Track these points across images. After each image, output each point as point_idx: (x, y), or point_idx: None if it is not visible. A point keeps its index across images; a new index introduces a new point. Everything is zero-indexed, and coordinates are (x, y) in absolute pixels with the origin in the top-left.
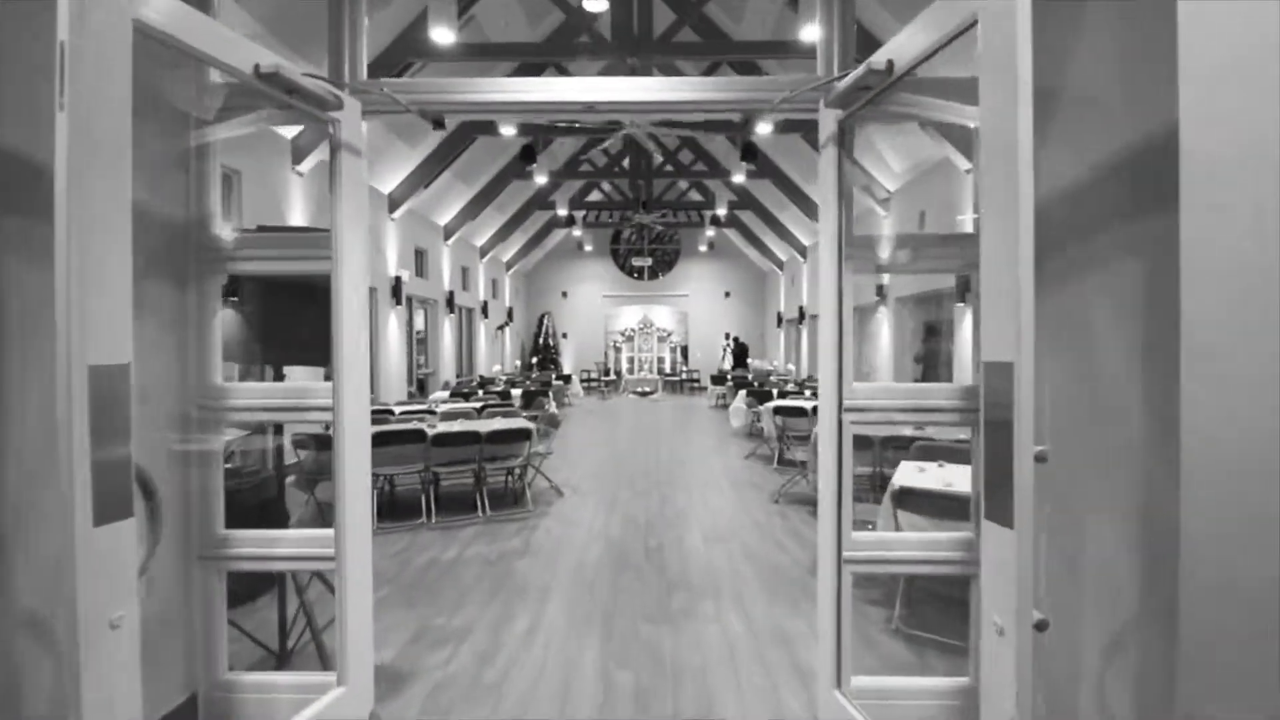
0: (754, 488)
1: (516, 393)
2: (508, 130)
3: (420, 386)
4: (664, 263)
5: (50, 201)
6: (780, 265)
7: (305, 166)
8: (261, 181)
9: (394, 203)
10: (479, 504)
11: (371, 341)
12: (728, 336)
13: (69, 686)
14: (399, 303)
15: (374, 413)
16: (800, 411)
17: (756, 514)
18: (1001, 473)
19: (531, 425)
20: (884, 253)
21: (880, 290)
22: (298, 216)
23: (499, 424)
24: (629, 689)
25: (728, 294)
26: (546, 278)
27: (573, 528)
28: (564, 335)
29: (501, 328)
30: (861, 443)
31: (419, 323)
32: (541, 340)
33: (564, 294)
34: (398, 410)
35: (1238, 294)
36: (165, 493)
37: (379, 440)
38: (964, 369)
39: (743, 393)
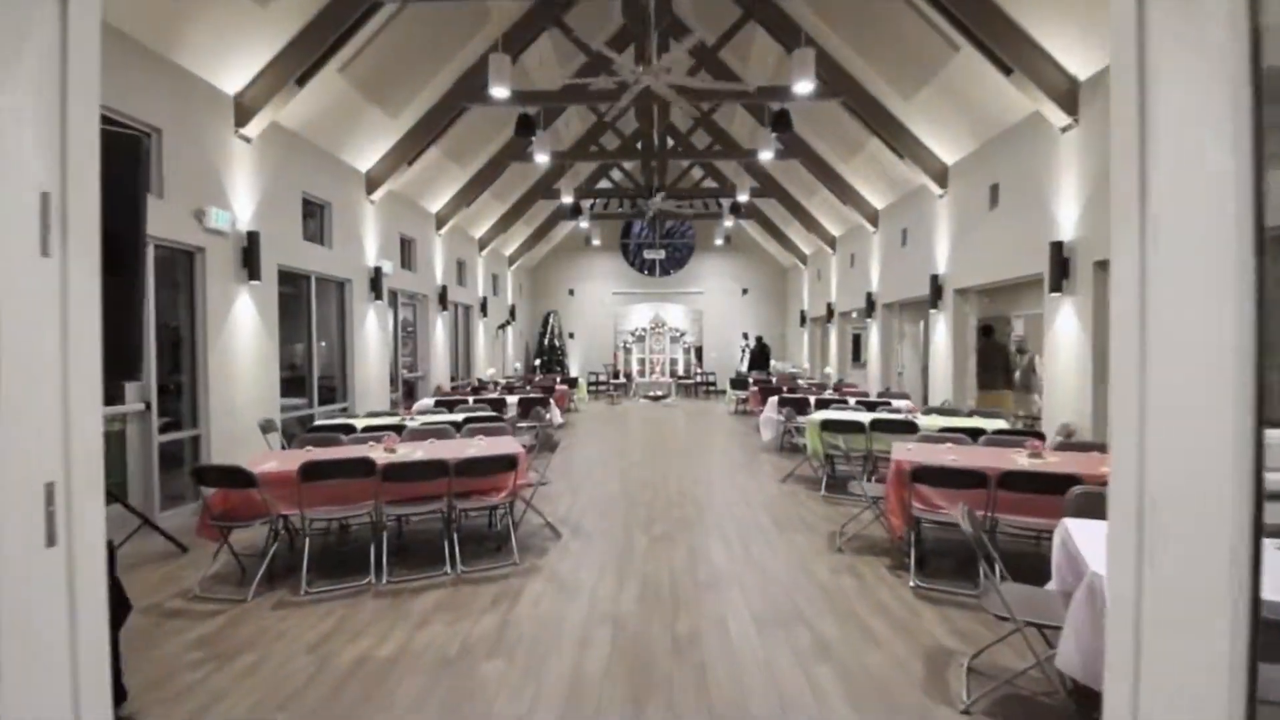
0: (805, 527)
1: (514, 400)
2: (500, 90)
3: (409, 392)
4: (675, 260)
5: None
6: (804, 260)
7: (253, 130)
8: (194, 144)
9: (372, 182)
10: (448, 555)
11: (345, 342)
12: (746, 336)
13: None
14: (378, 297)
15: (328, 429)
16: (857, 427)
17: (819, 571)
18: None
19: (519, 450)
20: None
21: (936, 281)
22: (242, 193)
23: (478, 447)
24: None
25: (745, 291)
26: (552, 274)
27: (570, 598)
28: (570, 335)
29: (503, 327)
30: (1049, 483)
31: (406, 321)
32: (547, 341)
33: (570, 291)
34: (361, 425)
35: None
36: None
37: (311, 473)
38: (1053, 382)
39: (774, 400)
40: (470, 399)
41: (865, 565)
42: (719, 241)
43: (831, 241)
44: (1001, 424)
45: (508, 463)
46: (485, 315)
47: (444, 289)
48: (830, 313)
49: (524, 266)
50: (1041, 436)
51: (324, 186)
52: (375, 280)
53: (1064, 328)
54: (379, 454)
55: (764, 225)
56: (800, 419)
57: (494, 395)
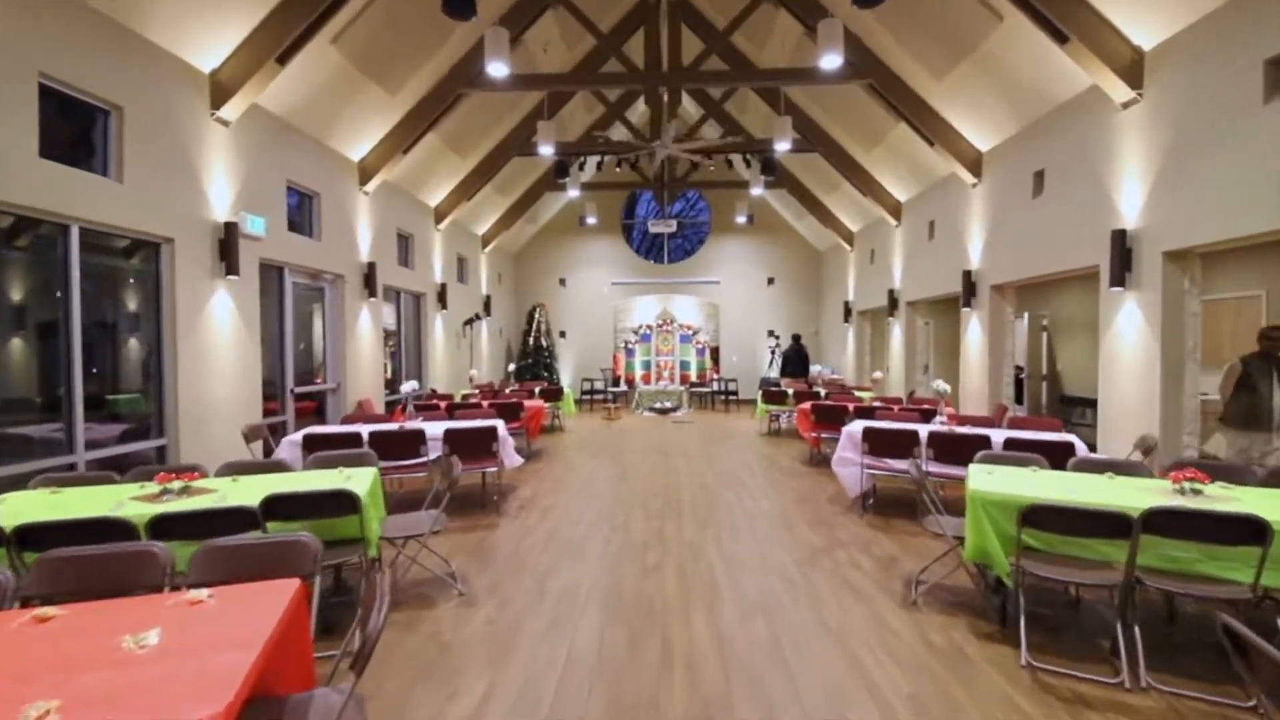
0: None
1: (438, 432)
2: None
3: (319, 409)
4: (685, 247)
5: None
6: (849, 238)
7: None
8: None
9: (221, 90)
10: None
11: (161, 339)
12: (774, 335)
13: None
14: (232, 270)
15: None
16: (1112, 525)
17: None
18: None
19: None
20: None
21: (1123, 241)
22: None
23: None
24: None
25: (771, 280)
26: (539, 259)
27: None
28: (562, 334)
29: (470, 323)
30: None
31: (316, 315)
32: (533, 340)
33: (561, 281)
34: (11, 527)
35: None
36: None
37: None
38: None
39: (852, 433)
40: (367, 431)
41: None
42: (740, 219)
43: (895, 209)
44: None
45: None
46: (445, 307)
47: (371, 268)
48: (894, 303)
49: (503, 249)
50: None
51: (98, 74)
52: (227, 243)
53: None
54: None
55: (798, 194)
56: (930, 468)
57: (415, 423)
